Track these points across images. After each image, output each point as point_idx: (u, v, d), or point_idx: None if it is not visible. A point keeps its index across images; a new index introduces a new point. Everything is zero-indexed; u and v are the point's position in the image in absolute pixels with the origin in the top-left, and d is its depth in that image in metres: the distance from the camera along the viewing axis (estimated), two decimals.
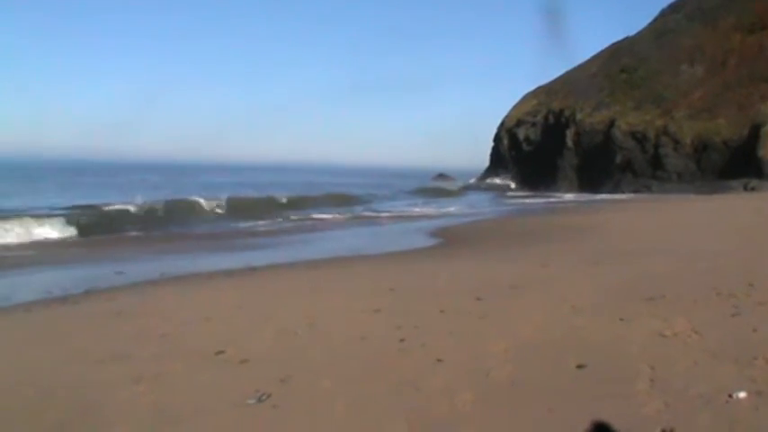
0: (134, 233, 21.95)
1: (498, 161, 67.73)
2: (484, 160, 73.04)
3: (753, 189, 40.89)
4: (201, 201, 30.67)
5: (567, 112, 59.04)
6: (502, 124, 68.28)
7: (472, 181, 65.16)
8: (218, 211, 29.90)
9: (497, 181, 62.64)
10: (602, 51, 67.39)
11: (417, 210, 33.11)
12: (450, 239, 17.80)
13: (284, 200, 35.90)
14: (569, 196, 47.32)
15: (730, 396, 4.40)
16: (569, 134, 56.94)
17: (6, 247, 17.37)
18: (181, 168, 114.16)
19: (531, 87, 70.05)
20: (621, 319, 6.59)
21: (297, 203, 35.51)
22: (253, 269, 12.46)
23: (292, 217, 28.45)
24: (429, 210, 33.88)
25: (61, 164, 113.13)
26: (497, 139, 68.79)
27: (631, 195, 45.51)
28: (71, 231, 21.15)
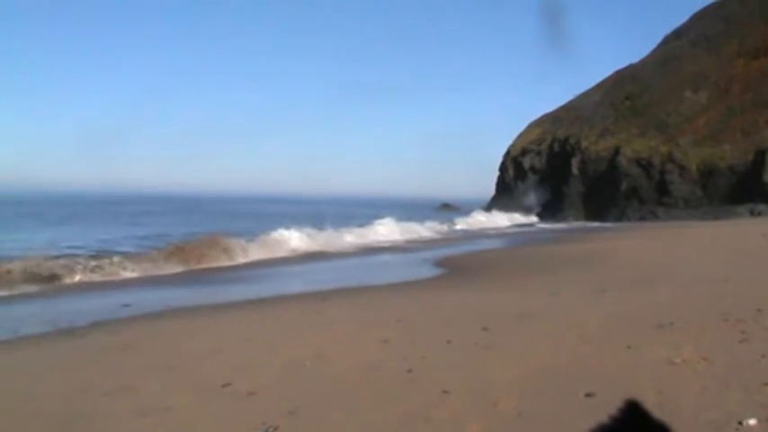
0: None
1: (504, 190, 67.73)
2: (487, 186, 72.64)
3: (759, 214, 40.83)
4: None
5: (572, 140, 59.21)
6: (507, 153, 68.45)
7: (482, 214, 63.84)
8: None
9: (503, 212, 61.82)
10: (607, 79, 67.82)
11: (419, 240, 32.96)
12: (454, 269, 17.77)
13: None
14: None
15: (740, 423, 4.38)
16: (575, 162, 57.04)
17: None
18: (171, 200, 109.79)
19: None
20: (629, 347, 6.57)
21: None
22: (261, 300, 12.46)
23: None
24: (431, 239, 33.81)
25: (54, 196, 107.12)
26: (503, 168, 68.90)
27: (636, 223, 45.41)
28: None
